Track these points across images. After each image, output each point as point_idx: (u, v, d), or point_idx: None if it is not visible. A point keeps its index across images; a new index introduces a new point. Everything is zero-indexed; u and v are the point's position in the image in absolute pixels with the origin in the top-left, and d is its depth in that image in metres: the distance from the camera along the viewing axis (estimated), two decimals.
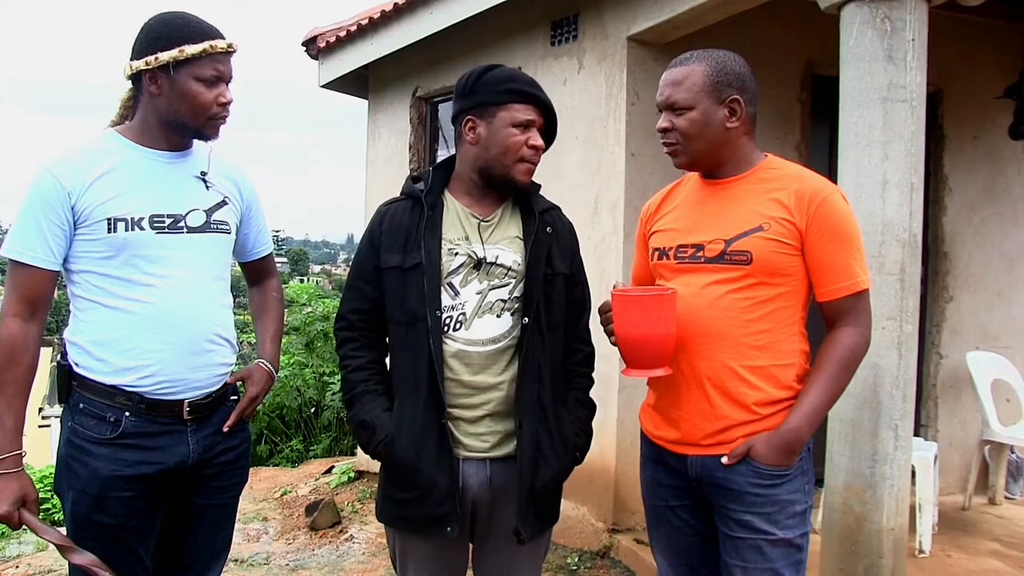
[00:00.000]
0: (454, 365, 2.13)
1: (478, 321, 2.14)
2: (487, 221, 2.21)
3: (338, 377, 8.57)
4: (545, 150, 2.24)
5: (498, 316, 2.16)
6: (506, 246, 2.19)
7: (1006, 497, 5.05)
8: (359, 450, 6.92)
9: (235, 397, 2.30)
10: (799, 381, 2.00)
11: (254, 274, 2.53)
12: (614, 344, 2.03)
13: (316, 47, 6.66)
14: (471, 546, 2.28)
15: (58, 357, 2.14)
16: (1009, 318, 5.35)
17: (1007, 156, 5.28)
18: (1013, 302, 5.36)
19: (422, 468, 2.09)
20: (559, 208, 2.34)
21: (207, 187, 2.21)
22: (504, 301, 2.16)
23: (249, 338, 7.86)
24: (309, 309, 9.70)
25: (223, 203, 2.24)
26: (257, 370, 2.37)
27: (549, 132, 2.25)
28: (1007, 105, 4.91)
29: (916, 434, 4.67)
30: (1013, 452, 5.06)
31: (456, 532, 2.12)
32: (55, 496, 2.17)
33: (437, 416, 2.10)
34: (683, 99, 2.01)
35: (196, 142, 2.21)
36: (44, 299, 2.06)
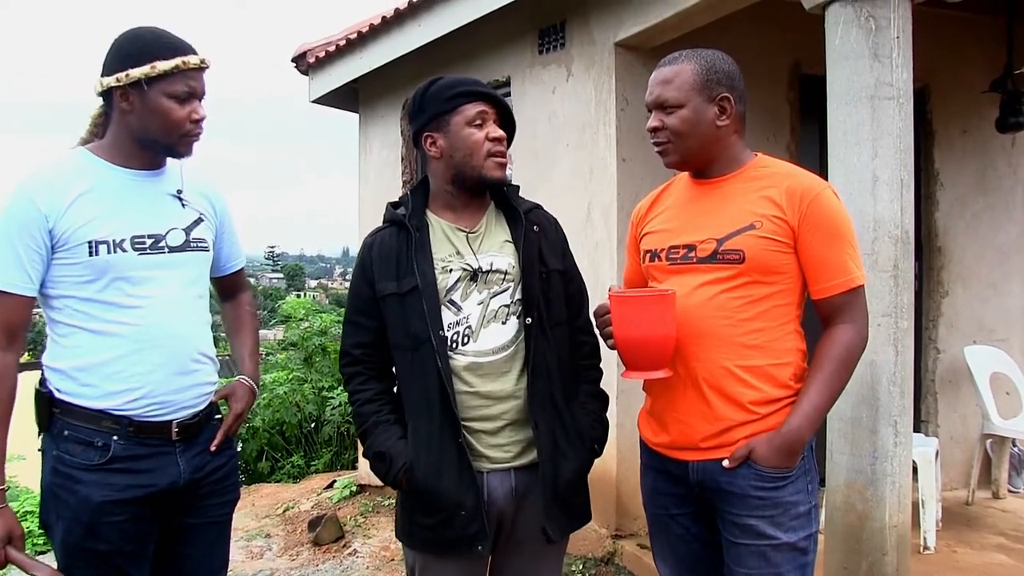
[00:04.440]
0: (468, 378, 2.13)
1: (484, 331, 2.15)
2: (474, 232, 2.21)
3: (337, 391, 8.57)
4: (509, 143, 2.24)
5: (503, 323, 2.16)
6: (498, 251, 2.20)
7: (1009, 491, 5.05)
8: (360, 464, 6.91)
9: (219, 416, 2.28)
10: (796, 380, 2.00)
11: (227, 289, 2.49)
12: (612, 347, 2.02)
13: (306, 63, 6.68)
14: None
15: (36, 384, 2.09)
16: (1004, 310, 5.36)
17: (996, 149, 5.30)
18: (1008, 294, 5.37)
19: (444, 490, 2.09)
20: (541, 206, 2.35)
21: (183, 205, 2.18)
22: (507, 306, 2.17)
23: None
24: (307, 324, 9.68)
25: (199, 220, 2.21)
26: (240, 387, 2.35)
27: (507, 126, 2.25)
28: (994, 99, 4.93)
29: (916, 430, 4.67)
30: (1015, 445, 5.07)
31: (487, 550, 2.12)
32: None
33: (453, 435, 2.10)
34: (673, 97, 2.01)
35: (168, 159, 2.17)
36: (22, 327, 2.02)
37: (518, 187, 2.30)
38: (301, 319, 9.91)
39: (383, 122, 6.45)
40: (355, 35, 5.97)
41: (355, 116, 6.94)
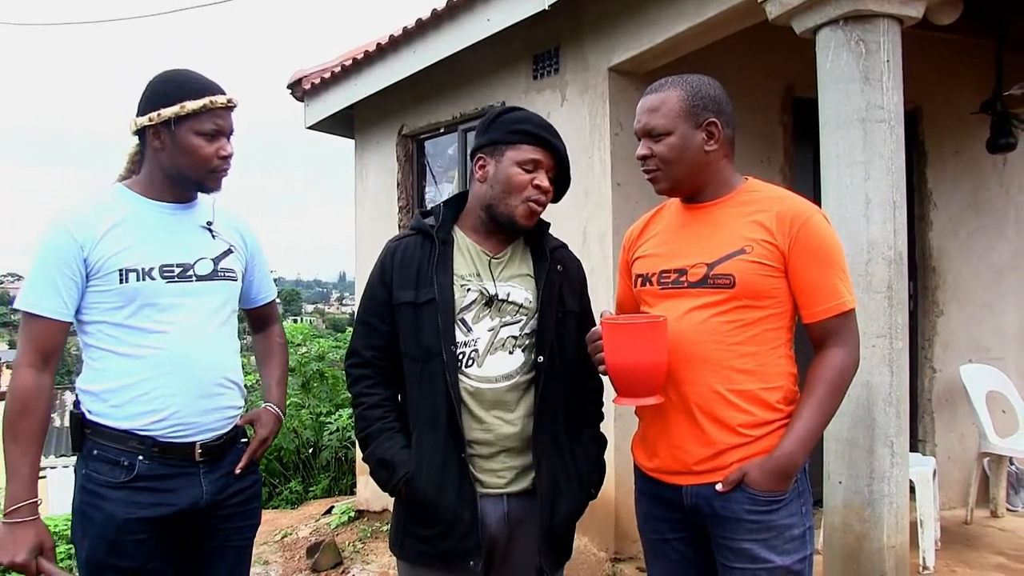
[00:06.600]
0: (468, 402, 2.13)
1: (490, 358, 2.15)
2: (497, 258, 2.22)
3: (335, 416, 8.54)
4: (557, 200, 2.25)
5: (510, 353, 2.17)
6: (517, 283, 2.21)
7: (1008, 509, 5.05)
8: (358, 489, 6.88)
9: (244, 440, 2.37)
10: (787, 403, 2.00)
11: (258, 320, 2.61)
12: (603, 373, 2.03)
13: (301, 89, 6.72)
14: None
15: (70, 406, 2.18)
16: (999, 329, 5.38)
17: (988, 169, 5.34)
18: (1002, 313, 5.39)
19: (444, 503, 2.10)
20: (566, 245, 2.36)
21: (213, 236, 2.29)
22: (515, 338, 2.17)
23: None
24: (304, 349, 9.67)
25: (229, 251, 2.32)
26: (265, 413, 2.47)
27: (562, 182, 2.26)
28: (984, 119, 4.98)
29: (914, 449, 4.67)
30: (1012, 463, 5.07)
31: (479, 566, 2.11)
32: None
33: (457, 451, 2.11)
34: (660, 125, 2.03)
35: (200, 194, 2.28)
36: (56, 350, 2.12)
37: (549, 224, 2.31)
38: (299, 344, 9.90)
39: (379, 148, 6.48)
40: (350, 62, 6.02)
41: (351, 142, 6.98)
